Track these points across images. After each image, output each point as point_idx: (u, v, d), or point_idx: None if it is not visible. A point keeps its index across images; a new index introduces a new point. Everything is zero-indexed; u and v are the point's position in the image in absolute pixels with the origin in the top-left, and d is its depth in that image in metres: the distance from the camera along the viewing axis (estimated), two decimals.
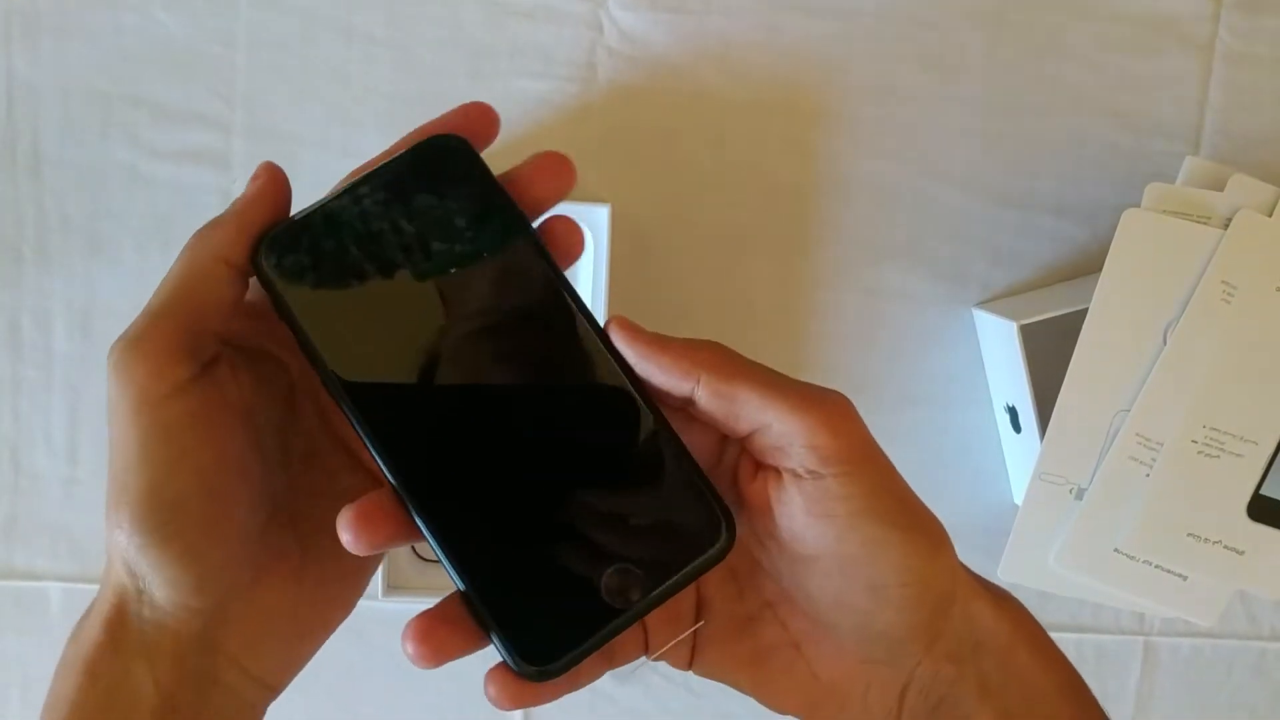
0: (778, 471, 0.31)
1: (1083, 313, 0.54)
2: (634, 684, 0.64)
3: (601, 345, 0.32)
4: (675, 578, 0.30)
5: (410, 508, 0.30)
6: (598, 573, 0.30)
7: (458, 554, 0.31)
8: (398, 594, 0.59)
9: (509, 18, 0.60)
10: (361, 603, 0.63)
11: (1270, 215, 0.53)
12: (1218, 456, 0.54)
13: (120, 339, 0.31)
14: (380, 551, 0.31)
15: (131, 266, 0.61)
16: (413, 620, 0.31)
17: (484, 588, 0.31)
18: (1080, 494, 0.55)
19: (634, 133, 0.61)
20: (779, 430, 0.30)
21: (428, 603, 0.62)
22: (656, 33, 0.60)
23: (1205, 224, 0.53)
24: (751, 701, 0.66)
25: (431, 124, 0.34)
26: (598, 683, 0.63)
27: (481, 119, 0.35)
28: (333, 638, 0.64)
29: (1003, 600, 0.33)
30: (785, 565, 0.32)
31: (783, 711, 0.34)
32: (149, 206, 0.60)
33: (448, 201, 0.33)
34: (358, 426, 0.31)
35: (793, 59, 0.61)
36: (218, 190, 0.60)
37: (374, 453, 0.31)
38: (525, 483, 0.31)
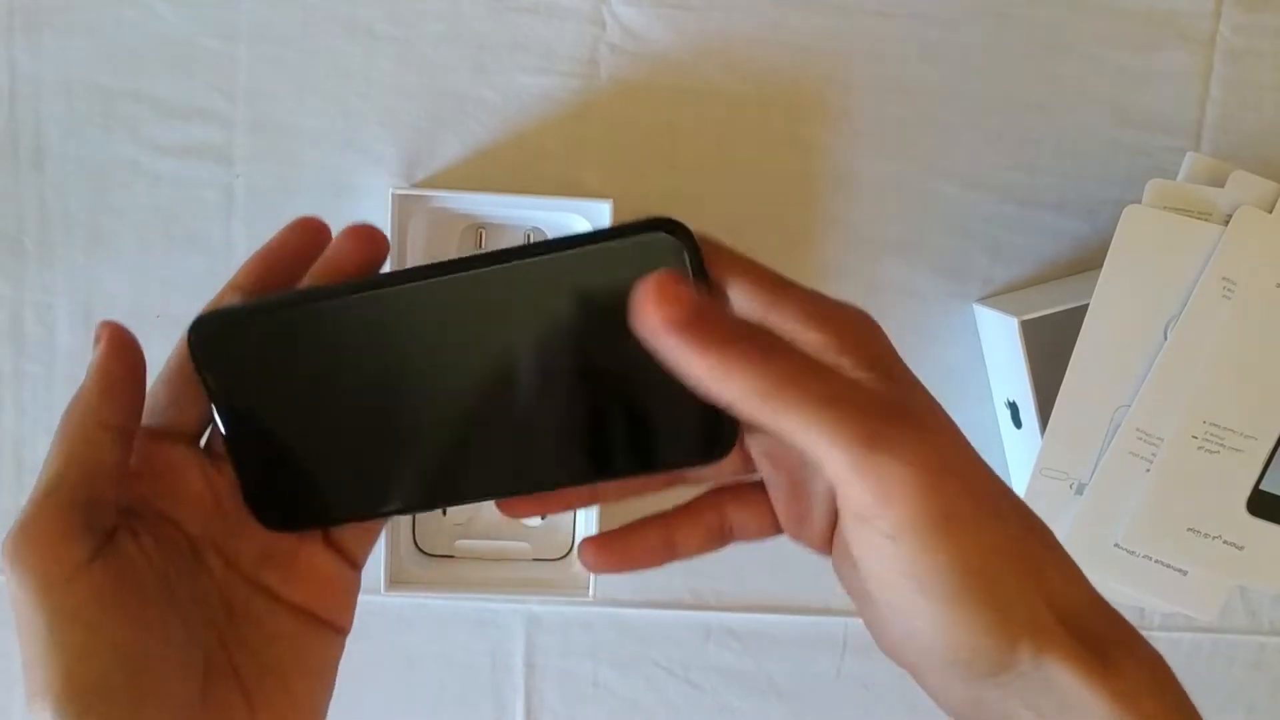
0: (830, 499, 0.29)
1: (1084, 309, 0.54)
2: (634, 676, 0.64)
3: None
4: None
5: None
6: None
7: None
8: (400, 589, 0.59)
9: (511, 13, 0.60)
10: (364, 598, 0.63)
11: (1271, 212, 0.53)
12: (1218, 452, 0.54)
13: (11, 529, 0.29)
14: None
15: (134, 261, 0.61)
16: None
17: None
18: (1081, 489, 0.55)
19: (636, 128, 0.61)
20: (829, 475, 0.25)
21: (429, 599, 0.63)
22: (659, 28, 0.60)
23: (1206, 220, 0.53)
24: (751, 693, 0.66)
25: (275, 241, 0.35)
26: (599, 675, 0.64)
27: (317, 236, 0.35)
28: None
29: (1114, 658, 0.27)
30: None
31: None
32: (151, 201, 0.60)
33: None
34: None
35: (795, 54, 0.61)
36: (219, 185, 0.60)
37: None
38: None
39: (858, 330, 0.29)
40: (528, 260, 0.30)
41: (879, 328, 0.30)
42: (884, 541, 0.25)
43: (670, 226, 0.29)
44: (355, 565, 0.35)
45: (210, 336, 0.33)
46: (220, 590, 0.33)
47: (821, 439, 0.24)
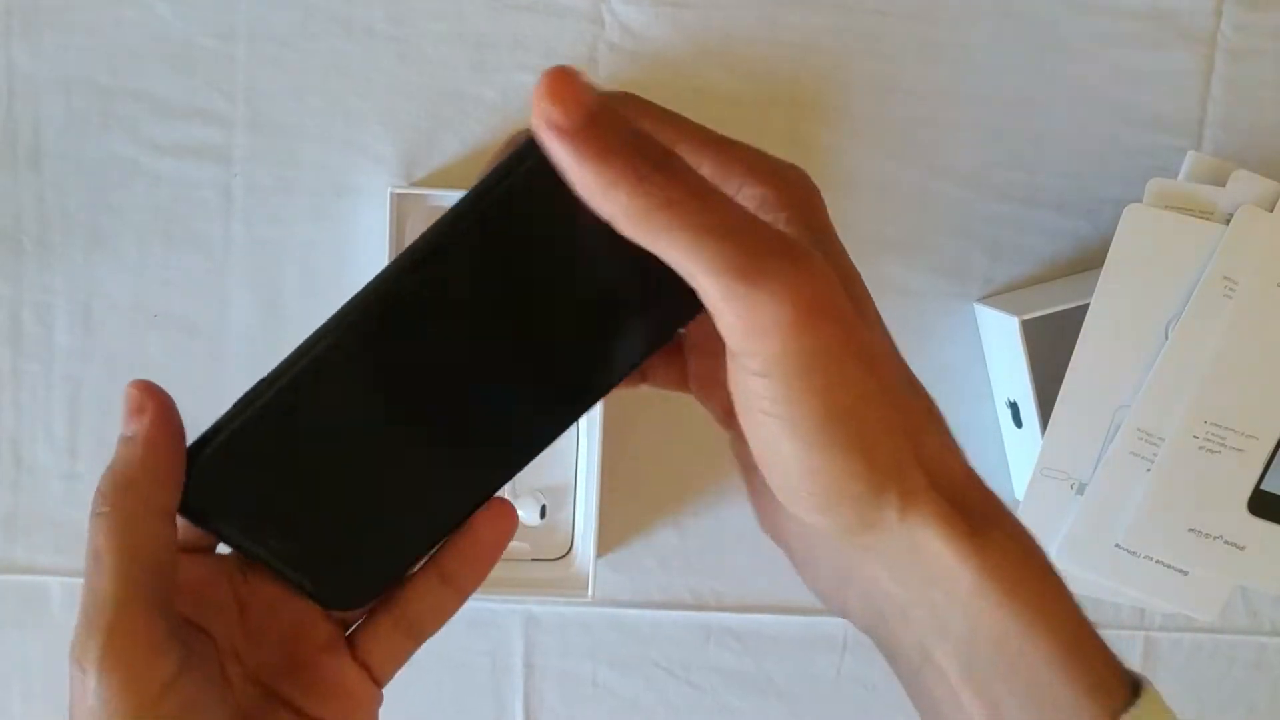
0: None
1: (1084, 308, 0.54)
2: (634, 677, 0.64)
3: None
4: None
5: None
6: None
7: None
8: None
9: (510, 11, 0.60)
10: None
11: (1272, 210, 0.53)
12: (1219, 452, 0.54)
13: (97, 634, 0.27)
14: None
15: (132, 260, 0.61)
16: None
17: None
18: (1081, 489, 0.55)
19: None
20: (710, 305, 0.24)
21: None
22: (658, 27, 0.60)
23: (1207, 219, 0.53)
24: (751, 693, 0.66)
25: None
26: (599, 676, 0.64)
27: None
28: None
29: (983, 539, 0.26)
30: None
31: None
32: (150, 200, 0.60)
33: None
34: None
35: (794, 53, 0.61)
36: (218, 184, 0.60)
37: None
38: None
39: (798, 189, 0.29)
40: (454, 240, 0.28)
41: (818, 191, 0.29)
42: (754, 380, 0.24)
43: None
44: (379, 681, 0.34)
45: (207, 489, 0.30)
46: (239, 702, 0.31)
47: (698, 266, 0.23)
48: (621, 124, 0.23)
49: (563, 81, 0.22)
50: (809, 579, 0.30)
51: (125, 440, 0.29)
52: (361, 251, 0.61)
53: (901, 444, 0.26)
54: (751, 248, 0.23)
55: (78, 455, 0.61)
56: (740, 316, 0.23)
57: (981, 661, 0.26)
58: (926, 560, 0.26)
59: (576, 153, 0.23)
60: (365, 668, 0.34)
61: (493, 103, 0.60)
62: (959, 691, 0.27)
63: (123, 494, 0.28)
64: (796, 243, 0.24)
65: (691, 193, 0.23)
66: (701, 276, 0.23)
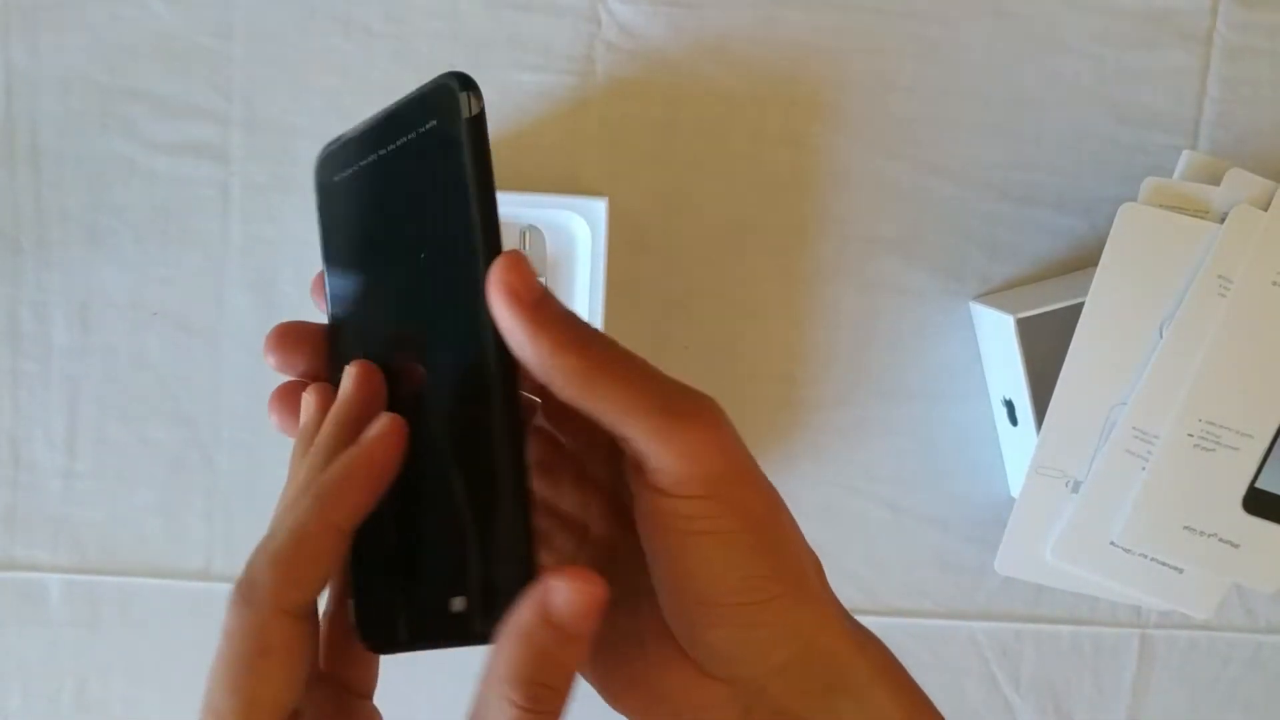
0: (637, 474, 0.29)
1: (1080, 307, 0.54)
2: None
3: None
4: (465, 634, 0.30)
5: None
6: (436, 589, 0.30)
7: None
8: None
9: (507, 10, 0.60)
10: None
11: (1266, 210, 0.53)
12: (1214, 450, 0.54)
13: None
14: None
15: (130, 259, 0.61)
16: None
17: (357, 544, 0.31)
18: (1076, 487, 0.55)
19: (632, 126, 0.61)
20: (634, 448, 0.28)
21: None
22: (655, 26, 0.60)
23: (1202, 218, 0.53)
24: None
25: None
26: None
27: None
28: None
29: (865, 636, 0.31)
30: (639, 556, 0.30)
31: (621, 711, 0.32)
32: (147, 199, 0.60)
33: (424, 148, 0.31)
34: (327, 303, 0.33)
35: (791, 52, 0.61)
36: (216, 182, 0.60)
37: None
38: (409, 465, 0.30)
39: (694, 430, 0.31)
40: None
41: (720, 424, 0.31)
42: (689, 504, 0.28)
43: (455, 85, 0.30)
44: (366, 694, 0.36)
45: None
46: None
47: (635, 414, 0.27)
48: (561, 305, 0.28)
49: (520, 263, 0.27)
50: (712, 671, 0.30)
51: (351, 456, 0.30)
52: None
53: (803, 557, 0.30)
54: (677, 393, 0.28)
55: (76, 453, 0.62)
56: (677, 447, 0.27)
57: None
58: (833, 666, 0.30)
59: (534, 320, 0.27)
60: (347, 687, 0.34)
61: (490, 101, 0.60)
62: None
63: (317, 511, 0.30)
64: (707, 396, 0.28)
65: (622, 358, 0.28)
66: (637, 421, 0.27)
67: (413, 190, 0.31)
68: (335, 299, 0.33)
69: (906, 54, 0.61)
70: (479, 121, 0.30)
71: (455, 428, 0.29)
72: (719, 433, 0.28)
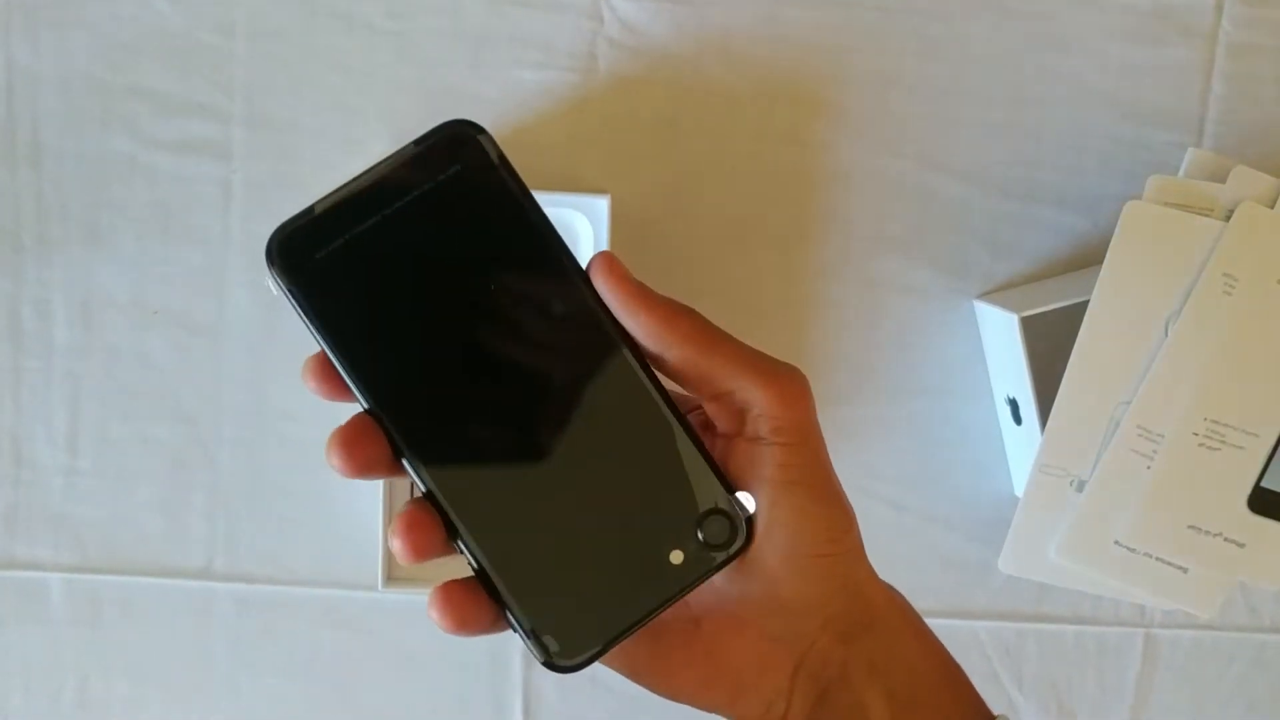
0: (725, 435, 0.34)
1: (1084, 305, 0.54)
2: None
3: (610, 324, 0.33)
4: (694, 578, 0.32)
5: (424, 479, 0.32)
6: (621, 569, 0.32)
7: (483, 545, 0.33)
8: (397, 585, 0.59)
9: (510, 7, 0.60)
10: (361, 594, 0.63)
11: (1272, 207, 0.53)
12: (1219, 449, 0.54)
13: None
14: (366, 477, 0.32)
15: (132, 256, 0.61)
16: (437, 589, 0.33)
17: (504, 574, 0.32)
18: (1081, 486, 0.55)
19: (634, 123, 0.61)
20: (741, 397, 0.32)
21: (427, 596, 0.63)
22: (657, 23, 0.60)
23: (1207, 216, 0.53)
24: None
25: None
26: (596, 672, 0.64)
27: None
28: (333, 629, 0.65)
29: (890, 588, 0.36)
30: None
31: (673, 694, 0.35)
32: (149, 196, 0.60)
33: (458, 191, 0.32)
34: (365, 395, 0.31)
35: (794, 50, 0.61)
36: (217, 180, 0.60)
37: (369, 403, 0.32)
38: (546, 469, 0.32)
39: (789, 392, 0.35)
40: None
41: (808, 393, 0.35)
42: (778, 450, 0.32)
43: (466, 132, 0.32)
44: None
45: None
46: None
47: (743, 364, 0.32)
48: (654, 291, 0.33)
49: (615, 259, 0.32)
50: (749, 711, 0.34)
51: None
52: None
53: (853, 517, 0.34)
54: (770, 357, 0.33)
55: (77, 451, 0.61)
56: (778, 393, 0.32)
57: (898, 686, 0.34)
58: (870, 613, 0.34)
59: (646, 301, 0.32)
60: None
61: (491, 99, 0.60)
62: None
63: None
64: (793, 367, 0.33)
65: (721, 333, 0.33)
66: (747, 370, 0.32)
67: (452, 233, 0.32)
68: (370, 374, 0.31)
69: (909, 52, 0.61)
70: (506, 158, 0.32)
71: (600, 410, 0.32)
72: (808, 390, 0.33)
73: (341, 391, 0.32)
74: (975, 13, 0.61)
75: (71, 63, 0.59)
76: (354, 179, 0.32)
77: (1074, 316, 0.54)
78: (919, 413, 0.63)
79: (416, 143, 0.32)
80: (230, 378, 0.62)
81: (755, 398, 0.32)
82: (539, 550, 0.32)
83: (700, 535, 0.32)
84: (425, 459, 0.32)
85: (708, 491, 0.32)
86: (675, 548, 0.32)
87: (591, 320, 0.32)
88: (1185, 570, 0.55)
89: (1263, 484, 0.54)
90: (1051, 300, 0.56)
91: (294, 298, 0.31)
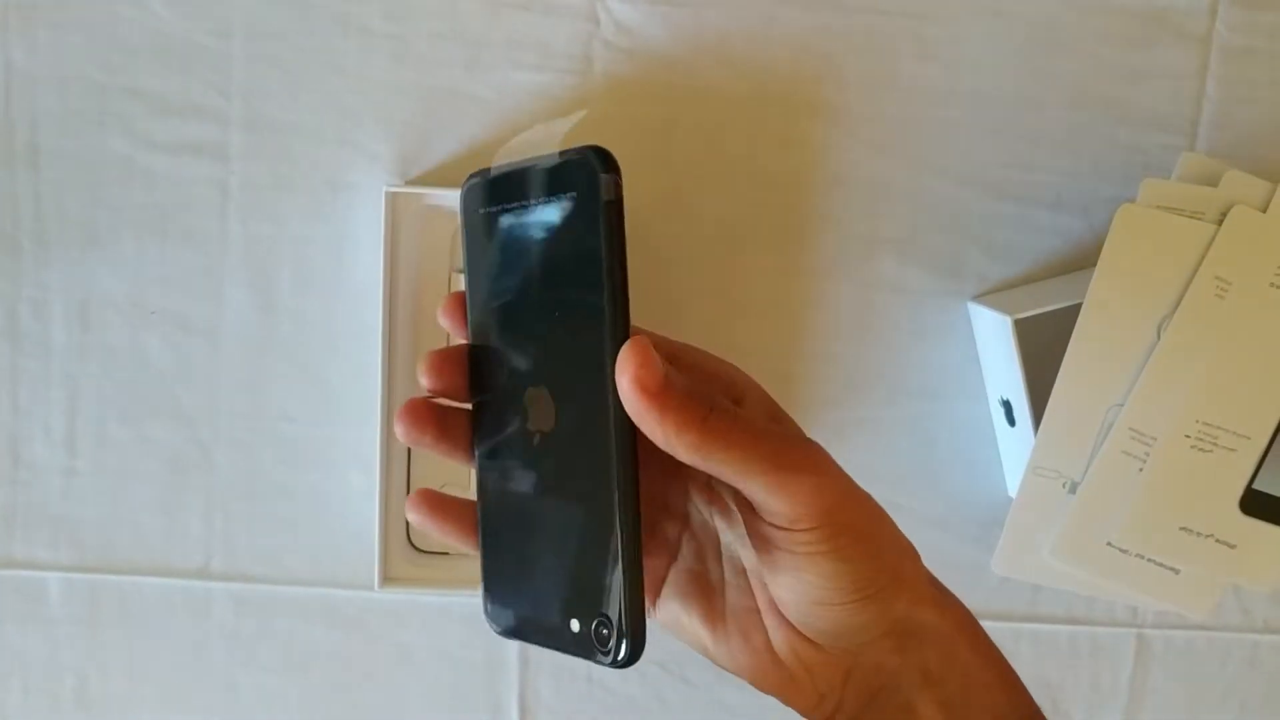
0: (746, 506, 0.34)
1: (1078, 307, 0.54)
2: (629, 672, 0.64)
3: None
4: (580, 652, 0.34)
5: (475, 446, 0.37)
6: (543, 595, 0.35)
7: (484, 500, 0.37)
8: (393, 586, 0.59)
9: (506, 10, 0.60)
10: (358, 594, 0.63)
11: (1265, 211, 0.53)
12: (1211, 451, 0.54)
13: None
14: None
15: (129, 258, 0.61)
16: (424, 493, 0.37)
17: (488, 540, 0.37)
18: (1074, 488, 0.55)
19: (630, 125, 0.61)
20: (758, 500, 0.33)
21: (423, 596, 0.63)
22: (653, 25, 0.60)
23: (1200, 219, 0.53)
24: (747, 693, 0.66)
25: None
26: (595, 673, 0.64)
27: None
28: (330, 629, 0.65)
29: (948, 600, 0.38)
30: (755, 556, 0.36)
31: (735, 671, 0.37)
32: (146, 198, 0.60)
33: (564, 213, 0.34)
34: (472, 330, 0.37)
35: (789, 52, 0.61)
36: (214, 181, 0.60)
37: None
38: (536, 486, 0.35)
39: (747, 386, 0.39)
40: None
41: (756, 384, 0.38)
42: (801, 534, 0.33)
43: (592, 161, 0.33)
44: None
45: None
46: None
47: (749, 476, 0.32)
48: (681, 384, 0.32)
49: (646, 352, 0.31)
50: (796, 699, 0.37)
51: None
52: (357, 249, 0.61)
53: (901, 552, 0.36)
54: (785, 448, 0.33)
55: (76, 451, 0.62)
56: (789, 496, 0.32)
57: (952, 696, 0.36)
58: (922, 628, 0.36)
59: (659, 406, 0.31)
60: None
61: (488, 101, 0.60)
62: None
63: None
64: (812, 443, 0.34)
65: (737, 425, 0.32)
66: (753, 479, 0.32)
67: (550, 251, 0.34)
68: (476, 325, 0.37)
69: (905, 54, 0.61)
70: (617, 205, 0.32)
71: (579, 470, 0.33)
72: (825, 477, 0.33)
73: (460, 327, 0.37)
74: (971, 16, 0.61)
75: (69, 64, 0.60)
76: (521, 159, 0.35)
77: (1068, 319, 0.54)
78: (913, 414, 0.63)
79: (562, 154, 0.33)
80: (228, 378, 0.62)
81: (765, 497, 0.33)
82: (511, 533, 0.36)
83: (591, 627, 0.33)
84: (479, 408, 0.37)
85: (611, 600, 0.32)
86: (576, 619, 0.33)
87: (604, 389, 0.32)
88: (1178, 572, 0.55)
89: (1254, 486, 0.54)
90: (1045, 302, 0.56)
91: (462, 233, 0.37)
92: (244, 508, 0.62)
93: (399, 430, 0.36)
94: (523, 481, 0.35)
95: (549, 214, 0.34)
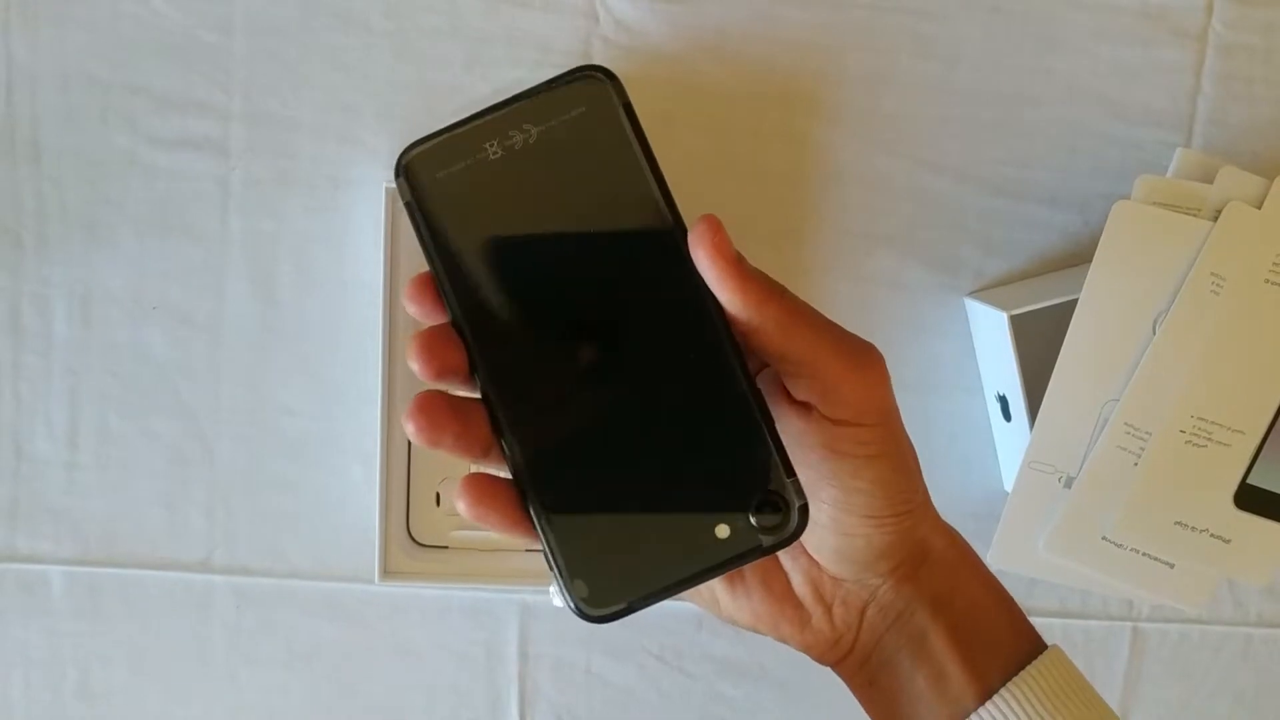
0: (807, 405, 0.34)
1: (1073, 303, 0.54)
2: (627, 665, 0.65)
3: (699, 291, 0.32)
4: (737, 555, 0.32)
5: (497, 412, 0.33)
6: (665, 530, 0.32)
7: (534, 476, 0.32)
8: (393, 579, 0.59)
9: (506, 6, 0.60)
10: (358, 587, 0.64)
11: (1260, 207, 0.53)
12: (1205, 446, 0.54)
13: None
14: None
15: (130, 253, 0.61)
16: (473, 478, 0.33)
17: (553, 518, 0.32)
18: (1069, 482, 0.55)
19: None
20: (822, 381, 0.33)
21: (424, 589, 0.63)
22: (652, 22, 0.60)
23: (1195, 216, 0.54)
24: (744, 681, 0.66)
25: None
26: (593, 664, 0.64)
27: None
28: (331, 622, 0.65)
29: (951, 529, 0.39)
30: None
31: (749, 624, 0.37)
32: (148, 193, 0.61)
33: (577, 133, 0.33)
34: (453, 305, 0.33)
35: (788, 49, 0.61)
36: (216, 177, 0.61)
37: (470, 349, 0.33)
38: (612, 422, 0.32)
39: (866, 374, 0.37)
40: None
41: (884, 374, 0.37)
42: (862, 431, 0.33)
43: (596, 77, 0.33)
44: None
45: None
46: None
47: (825, 355, 0.32)
48: (750, 264, 0.32)
49: (720, 226, 0.32)
50: (812, 642, 0.38)
51: None
52: (358, 244, 0.61)
53: (920, 476, 0.37)
54: (853, 339, 0.34)
55: (77, 446, 0.62)
56: (861, 383, 0.33)
57: (960, 620, 0.36)
58: (933, 554, 0.37)
59: (742, 275, 0.32)
60: None
61: (487, 98, 0.60)
62: (947, 660, 0.36)
63: None
64: (868, 341, 0.34)
65: (808, 309, 0.33)
66: (829, 362, 0.32)
67: (567, 172, 0.33)
68: (467, 294, 0.33)
69: (902, 51, 0.61)
70: (633, 108, 0.33)
71: (673, 375, 0.32)
72: (886, 372, 0.34)
73: (435, 309, 0.33)
74: (968, 12, 0.61)
75: (70, 60, 0.60)
76: (485, 109, 0.33)
77: (1064, 314, 0.55)
78: (909, 408, 0.62)
79: (549, 81, 0.33)
80: (229, 373, 0.62)
81: (836, 384, 0.33)
82: (589, 490, 0.32)
83: (752, 516, 0.32)
84: (495, 378, 0.32)
85: (769, 474, 0.32)
86: (724, 522, 0.32)
87: (685, 280, 0.32)
88: (1172, 566, 0.56)
89: (1249, 481, 0.55)
90: (1041, 298, 0.56)
91: (412, 210, 0.33)
92: (245, 501, 0.63)
93: (412, 432, 0.32)
94: (590, 426, 0.32)
95: (555, 140, 0.33)
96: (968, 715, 0.35)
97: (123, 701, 0.64)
